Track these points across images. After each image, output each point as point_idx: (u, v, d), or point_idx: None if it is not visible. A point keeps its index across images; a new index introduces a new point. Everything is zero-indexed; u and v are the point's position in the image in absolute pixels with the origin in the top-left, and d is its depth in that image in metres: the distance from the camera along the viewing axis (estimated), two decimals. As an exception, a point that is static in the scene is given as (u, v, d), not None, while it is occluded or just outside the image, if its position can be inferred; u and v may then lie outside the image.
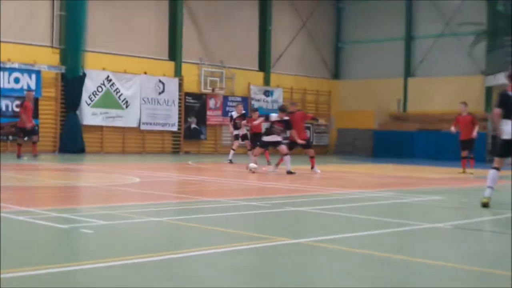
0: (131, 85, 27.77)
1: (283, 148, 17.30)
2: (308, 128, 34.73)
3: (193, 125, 29.94)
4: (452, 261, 5.94)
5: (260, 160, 22.33)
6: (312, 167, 17.67)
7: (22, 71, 24.62)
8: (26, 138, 20.92)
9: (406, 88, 34.53)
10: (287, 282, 4.96)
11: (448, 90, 32.55)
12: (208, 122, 30.47)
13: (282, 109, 17.76)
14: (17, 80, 24.52)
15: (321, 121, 20.68)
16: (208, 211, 9.18)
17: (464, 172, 19.19)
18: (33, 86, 24.82)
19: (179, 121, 29.37)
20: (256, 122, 19.29)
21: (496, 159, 10.21)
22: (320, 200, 11.20)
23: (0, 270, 4.79)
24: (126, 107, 27.62)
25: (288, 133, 17.99)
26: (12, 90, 24.40)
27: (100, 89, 26.77)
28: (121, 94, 27.41)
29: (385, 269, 5.56)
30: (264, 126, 22.07)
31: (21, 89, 24.56)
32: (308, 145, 18.25)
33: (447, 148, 30.40)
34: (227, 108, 31.10)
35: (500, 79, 28.84)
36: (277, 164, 17.92)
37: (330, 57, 36.96)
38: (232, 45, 31.60)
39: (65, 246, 6.39)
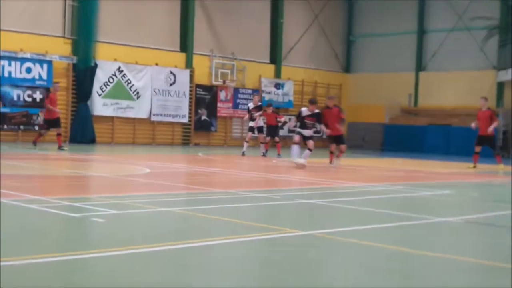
0: (142, 76, 27.81)
1: (311, 143, 17.35)
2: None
3: (203, 117, 29.97)
4: (462, 254, 5.94)
5: (270, 152, 22.35)
6: (330, 161, 17.88)
7: (34, 61, 24.70)
8: (42, 131, 20.93)
9: (417, 82, 34.41)
10: (297, 273, 4.97)
11: (460, 85, 32.43)
12: (218, 114, 30.49)
13: (313, 102, 17.79)
14: (29, 70, 24.61)
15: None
16: (218, 202, 9.21)
17: (474, 167, 19.10)
18: (44, 76, 24.92)
19: (190, 113, 29.41)
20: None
21: None
22: (330, 193, 11.21)
23: (0, 257, 4.84)
24: (137, 98, 27.68)
25: (318, 127, 18.02)
26: (24, 80, 24.50)
27: (111, 80, 26.84)
28: (132, 85, 27.47)
29: (395, 261, 5.57)
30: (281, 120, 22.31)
31: (33, 79, 24.67)
32: (342, 140, 18.21)
33: (458, 143, 30.36)
34: (238, 100, 31.11)
35: (512, 74, 28.75)
36: (331, 161, 17.92)
37: (342, 51, 36.87)
38: (244, 37, 31.58)
39: (76, 234, 6.43)
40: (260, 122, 22.66)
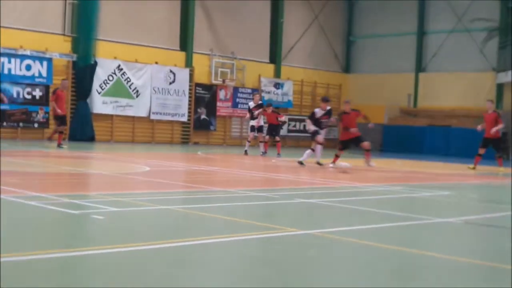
0: (142, 74, 27.81)
1: (320, 138, 17.36)
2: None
3: (203, 116, 29.97)
4: (461, 255, 5.95)
5: (273, 152, 22.35)
6: (368, 162, 17.49)
7: (33, 58, 24.69)
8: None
9: (417, 83, 34.42)
10: (296, 272, 4.98)
11: (459, 86, 32.45)
12: (218, 113, 30.49)
13: (326, 100, 17.83)
14: (28, 67, 24.60)
15: (370, 124, 19.62)
16: (217, 200, 9.21)
17: (474, 168, 19.10)
18: (44, 74, 24.91)
19: (189, 112, 29.41)
20: (311, 128, 18.27)
21: None
22: (329, 192, 11.22)
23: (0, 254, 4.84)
24: (137, 96, 27.67)
25: (329, 121, 17.97)
26: (24, 77, 24.49)
27: (111, 78, 26.83)
28: (132, 83, 27.46)
29: (394, 261, 5.58)
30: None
31: (33, 76, 24.65)
32: (361, 139, 17.62)
33: (457, 144, 30.39)
34: (237, 100, 31.12)
35: (511, 76, 28.78)
36: (334, 162, 17.38)
37: (342, 51, 36.88)
38: (244, 36, 31.58)
39: (76, 231, 6.43)
40: (261, 121, 22.70)
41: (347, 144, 17.68)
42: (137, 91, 27.64)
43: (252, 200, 9.44)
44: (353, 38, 36.86)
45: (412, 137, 32.17)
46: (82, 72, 25.62)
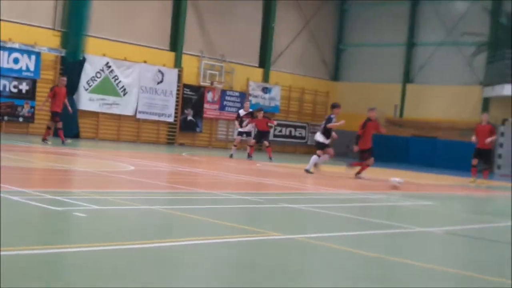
0: (130, 73, 27.74)
1: (331, 150, 17.76)
2: (304, 127, 34.81)
3: (189, 117, 29.94)
4: (440, 264, 5.98)
5: (260, 156, 22.36)
6: (358, 173, 17.28)
7: (22, 51, 24.56)
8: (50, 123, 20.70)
9: (404, 94, 34.58)
10: (276, 276, 4.99)
11: (446, 99, 32.64)
12: (204, 115, 30.47)
13: (336, 106, 17.90)
14: (16, 61, 24.46)
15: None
16: (200, 202, 9.21)
17: (474, 181, 19.08)
18: (32, 68, 24.79)
19: (176, 112, 29.37)
20: (333, 130, 18.14)
21: None
22: (313, 198, 11.24)
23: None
24: (124, 94, 27.59)
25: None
26: (11, 70, 24.34)
27: (99, 75, 26.74)
28: (120, 81, 27.39)
29: (373, 268, 5.60)
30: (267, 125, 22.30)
31: (20, 70, 24.51)
32: (371, 154, 17.54)
33: (441, 156, 30.56)
34: (225, 102, 31.12)
35: (498, 90, 28.99)
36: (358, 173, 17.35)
37: (331, 58, 36.99)
38: (234, 39, 31.60)
39: (58, 228, 6.41)
40: (249, 127, 22.72)
41: (365, 152, 17.35)
42: (125, 89, 27.57)
43: (236, 203, 9.44)
44: (342, 46, 36.99)
45: (397, 147, 32.30)
46: (70, 68, 25.50)
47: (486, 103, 31.31)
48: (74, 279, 4.34)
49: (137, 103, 27.99)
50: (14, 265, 4.52)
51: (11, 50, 24.29)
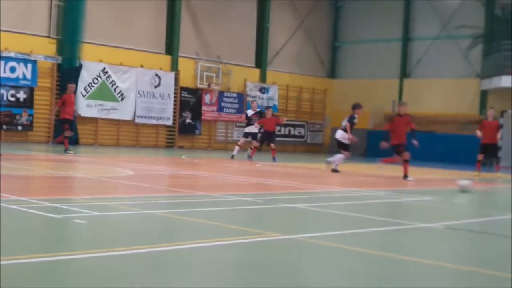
0: (127, 77, 27.75)
1: (348, 153, 17.91)
2: (303, 126, 34.83)
3: (188, 120, 29.94)
4: (441, 260, 5.99)
5: (261, 156, 22.37)
6: (405, 175, 16.70)
7: (18, 60, 24.57)
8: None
9: (401, 89, 34.60)
10: (277, 277, 4.99)
11: (443, 92, 32.65)
12: (203, 117, 30.48)
13: (358, 106, 17.90)
14: (13, 70, 24.47)
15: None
16: (200, 205, 9.22)
17: (478, 175, 19.10)
18: (28, 76, 24.80)
19: (174, 116, 29.38)
20: (349, 137, 18.10)
21: None
22: (313, 197, 11.25)
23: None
24: (122, 99, 27.61)
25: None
26: (8, 79, 24.35)
27: (96, 81, 26.75)
28: (117, 87, 27.40)
29: (374, 266, 5.60)
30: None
31: (17, 79, 24.52)
32: (404, 149, 17.27)
33: (440, 150, 30.55)
34: (223, 104, 31.13)
35: (496, 82, 29.01)
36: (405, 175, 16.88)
37: (327, 56, 37.00)
38: (230, 41, 31.61)
39: (58, 235, 6.41)
40: (256, 129, 22.58)
41: (398, 147, 17.08)
42: (122, 94, 27.58)
43: (235, 204, 9.45)
44: (338, 44, 37.00)
45: (396, 143, 32.23)
46: (67, 75, 25.49)
47: (484, 96, 31.34)
48: (76, 286, 4.34)
49: (135, 108, 27.99)
50: (14, 274, 4.53)
51: (7, 59, 24.30)
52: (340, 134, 17.91)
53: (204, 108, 30.46)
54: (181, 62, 29.57)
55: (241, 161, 21.43)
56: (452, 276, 5.45)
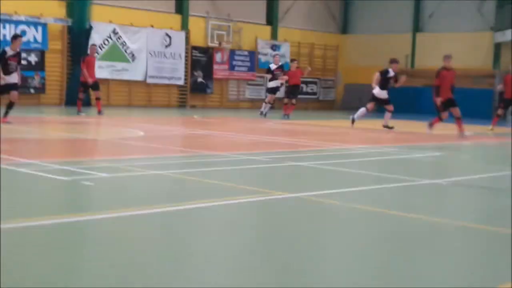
0: (138, 38, 27.68)
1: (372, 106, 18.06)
2: (315, 83, 34.70)
3: (199, 79, 29.91)
4: (447, 216, 6.04)
5: (275, 113, 22.38)
6: (461, 131, 16.33)
7: (28, 23, 24.56)
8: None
9: (414, 43, 34.28)
10: (284, 236, 5.07)
11: (457, 46, 32.24)
12: (214, 76, 30.41)
13: (395, 61, 17.97)
14: (23, 33, 24.43)
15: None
16: (209, 165, 9.29)
17: (493, 129, 19.05)
18: (39, 39, 24.81)
19: (186, 75, 29.35)
20: (377, 90, 18.13)
21: None
22: (322, 155, 11.29)
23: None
24: (133, 60, 27.59)
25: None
26: (19, 42, 24.32)
27: (106, 42, 26.71)
28: (128, 47, 27.35)
29: (381, 223, 5.66)
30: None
31: (28, 42, 24.52)
32: (454, 103, 16.63)
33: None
34: (234, 62, 31.03)
35: (509, 35, 28.63)
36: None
37: (339, 12, 36.62)
38: (240, -2, 31.34)
39: (66, 198, 6.52)
40: (278, 83, 22.51)
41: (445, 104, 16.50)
42: (133, 55, 27.55)
43: (244, 164, 9.51)
44: (350, -1, 36.59)
45: (409, 98, 32.12)
46: (78, 37, 25.50)
47: (497, 49, 30.99)
48: (87, 248, 4.44)
49: (147, 68, 27.98)
50: (25, 236, 4.63)
51: (17, 22, 24.29)
52: (377, 90, 18.01)
53: (215, 67, 30.38)
54: (191, 21, 29.41)
55: (255, 119, 21.44)
56: (458, 233, 5.50)
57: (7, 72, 14.96)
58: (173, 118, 22.50)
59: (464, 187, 8.14)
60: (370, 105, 18.07)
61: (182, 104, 29.49)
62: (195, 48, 29.62)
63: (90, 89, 20.95)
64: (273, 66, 22.86)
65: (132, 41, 27.49)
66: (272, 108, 23.45)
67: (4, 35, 23.97)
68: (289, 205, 6.31)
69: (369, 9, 35.75)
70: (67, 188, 6.93)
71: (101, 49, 26.54)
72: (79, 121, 17.96)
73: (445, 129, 17.72)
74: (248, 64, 31.43)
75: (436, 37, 33.23)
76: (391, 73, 17.70)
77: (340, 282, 3.89)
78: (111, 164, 8.53)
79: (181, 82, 29.22)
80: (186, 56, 29.21)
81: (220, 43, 30.27)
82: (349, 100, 35.01)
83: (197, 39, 29.75)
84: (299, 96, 33.53)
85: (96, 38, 26.29)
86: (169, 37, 28.56)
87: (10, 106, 15.07)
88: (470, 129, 18.93)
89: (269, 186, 7.41)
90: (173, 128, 17.41)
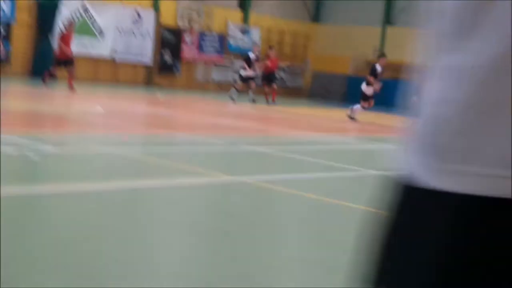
0: (107, 14, 27.47)
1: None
2: (283, 70, 34.81)
3: (167, 59, 29.82)
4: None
5: (245, 97, 22.44)
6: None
7: (-4, -7, 24.26)
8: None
9: (384, 36, 34.58)
10: (222, 218, 5.19)
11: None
12: (183, 57, 30.34)
13: (383, 56, 18.15)
14: (-10, 3, 24.16)
15: None
16: (162, 144, 9.36)
17: None
18: (8, 12, 24.51)
19: (154, 54, 29.23)
20: (376, 88, 18.54)
21: None
22: (280, 141, 11.42)
23: None
24: (101, 36, 27.40)
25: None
26: (-15, 11, 24.06)
27: (75, 17, 26.47)
28: (96, 23, 27.16)
29: (317, 211, 5.81)
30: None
31: (-6, 12, 24.24)
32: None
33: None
34: (203, 44, 30.99)
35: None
36: None
37: (311, 0, 36.73)
38: (212, -20, 31.26)
39: (10, 170, 6.55)
40: (257, 71, 22.66)
41: None
42: (101, 31, 27.36)
43: (197, 145, 9.60)
44: (323, -12, 36.71)
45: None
46: (46, 11, 25.24)
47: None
48: (28, 221, 4.51)
49: (114, 45, 27.81)
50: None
51: (-16, -9, 23.97)
52: (363, 86, 18.33)
53: (184, 47, 30.31)
54: (162, 1, 29.27)
55: (219, 102, 21.49)
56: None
57: None
58: (138, 96, 22.44)
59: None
60: (364, 103, 18.26)
61: (148, 83, 29.39)
62: (164, 27, 29.49)
63: (64, 64, 20.74)
64: (252, 56, 23.02)
65: (101, 17, 27.28)
66: (239, 92, 23.52)
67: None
68: (233, 189, 6.44)
69: (341, 0, 35.93)
70: (13, 161, 6.96)
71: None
72: (43, 93, 17.84)
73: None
74: (217, 46, 31.42)
75: (407, 31, 33.51)
76: (379, 69, 17.98)
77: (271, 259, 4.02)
78: (64, 139, 8.55)
79: (148, 61, 29.10)
80: (155, 35, 29.07)
81: (190, 25, 30.19)
82: (316, 88, 35.26)
83: (167, 19, 29.62)
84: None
85: (64, 12, 26.05)
86: (139, 15, 28.39)
87: None
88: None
89: (218, 169, 7.53)
90: (136, 106, 17.40)
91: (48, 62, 25.23)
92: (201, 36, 30.87)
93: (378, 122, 19.63)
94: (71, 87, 19.88)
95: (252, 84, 22.75)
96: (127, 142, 9.51)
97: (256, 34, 33.25)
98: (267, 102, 21.83)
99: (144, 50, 28.76)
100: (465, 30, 0.88)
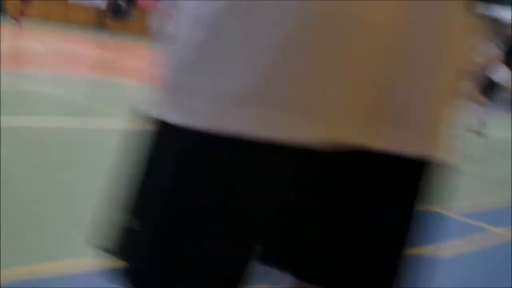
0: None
1: None
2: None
3: (121, 3, 29.40)
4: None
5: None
6: None
7: None
8: None
9: None
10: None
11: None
12: (137, 2, 29.92)
13: None
14: None
15: None
16: (103, 88, 9.44)
17: None
18: None
19: (108, -3, 28.80)
20: None
21: None
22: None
23: None
24: (54, -25, 26.88)
25: None
26: None
27: (28, -48, 25.89)
28: (50, -40, 26.62)
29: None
30: None
31: None
32: None
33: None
34: (159, -9, 30.65)
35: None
36: None
37: None
38: None
39: None
40: None
41: None
42: (55, -31, 26.85)
43: (137, 91, 9.70)
44: None
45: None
46: None
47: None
48: None
49: (68, -16, 27.33)
50: None
51: None
52: None
53: (139, -7, 29.90)
54: None
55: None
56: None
57: None
58: (86, 38, 22.22)
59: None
60: None
61: (99, 26, 29.01)
62: (120, -29, 29.03)
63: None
64: None
65: (56, -46, 26.71)
66: None
67: None
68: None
69: None
70: None
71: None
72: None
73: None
74: (173, -5, 31.09)
75: None
76: None
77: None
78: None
79: (101, 4, 28.68)
80: (110, -22, 28.61)
81: (146, -30, 29.76)
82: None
83: (123, -38, 29.15)
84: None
85: None
86: (94, -45, 27.88)
87: None
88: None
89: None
90: (78, 48, 17.28)
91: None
92: (157, -18, 30.46)
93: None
94: (18, 23, 19.61)
95: None
96: (63, 82, 9.61)
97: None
98: None
99: (97, -8, 28.33)
100: None
